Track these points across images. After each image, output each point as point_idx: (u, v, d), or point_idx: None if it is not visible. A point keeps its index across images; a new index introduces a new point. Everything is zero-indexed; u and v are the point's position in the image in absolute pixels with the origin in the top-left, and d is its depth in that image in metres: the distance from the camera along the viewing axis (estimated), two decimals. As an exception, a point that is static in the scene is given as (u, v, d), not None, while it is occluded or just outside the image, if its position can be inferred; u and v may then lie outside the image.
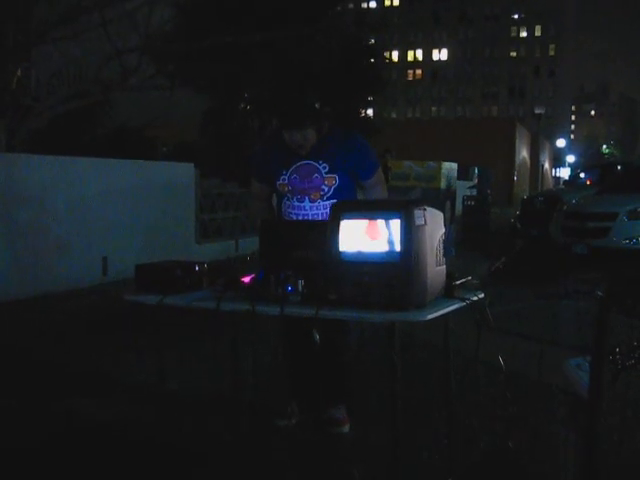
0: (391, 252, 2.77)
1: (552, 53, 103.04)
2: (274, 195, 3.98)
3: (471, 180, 22.37)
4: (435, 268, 2.91)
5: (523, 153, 50.93)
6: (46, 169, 8.21)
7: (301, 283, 2.98)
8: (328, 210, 3.66)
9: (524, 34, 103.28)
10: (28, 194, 7.86)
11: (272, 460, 3.54)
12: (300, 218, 3.76)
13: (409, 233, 2.74)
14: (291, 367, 4.10)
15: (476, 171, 21.53)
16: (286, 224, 3.77)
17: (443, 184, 11.33)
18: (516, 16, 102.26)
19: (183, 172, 10.87)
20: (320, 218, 3.69)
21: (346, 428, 3.87)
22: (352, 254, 2.83)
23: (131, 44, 10.61)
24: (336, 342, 3.85)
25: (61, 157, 8.78)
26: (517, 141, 47.12)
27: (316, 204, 3.73)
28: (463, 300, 3.05)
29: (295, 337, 3.95)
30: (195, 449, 3.57)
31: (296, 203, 3.76)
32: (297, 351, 4.03)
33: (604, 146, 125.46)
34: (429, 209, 2.88)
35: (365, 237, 2.83)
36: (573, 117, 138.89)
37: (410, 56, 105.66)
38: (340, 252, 2.85)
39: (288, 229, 3.76)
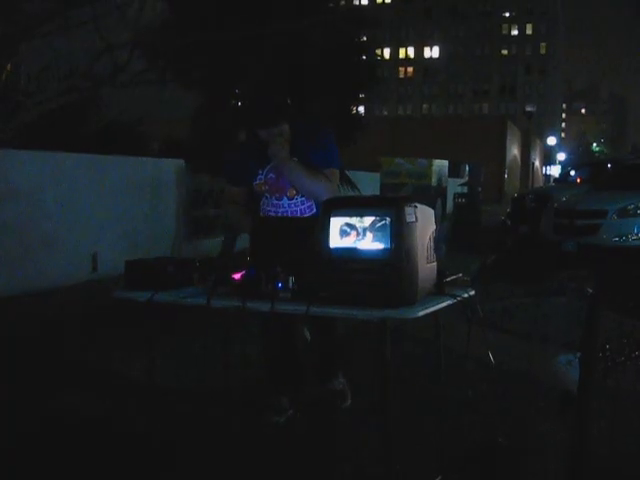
0: (382, 249, 2.76)
1: (543, 51, 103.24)
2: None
3: (462, 177, 22.39)
4: (426, 265, 2.91)
5: (514, 151, 51.06)
6: (35, 165, 8.17)
7: (291, 280, 2.98)
8: (306, 205, 3.75)
9: (515, 32, 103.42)
10: (17, 190, 7.81)
11: (263, 455, 3.54)
12: (279, 215, 3.82)
13: (400, 230, 2.74)
14: (276, 362, 4.12)
15: (467, 168, 21.54)
16: (276, 221, 3.80)
17: (434, 181, 11.34)
18: (507, 14, 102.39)
19: (174, 168, 10.83)
20: (299, 214, 3.79)
21: (348, 400, 4.00)
22: (342, 251, 2.82)
23: (122, 39, 10.55)
24: (324, 324, 3.97)
25: (51, 153, 8.74)
26: (508, 139, 47.25)
27: (294, 201, 3.80)
28: (454, 297, 3.05)
29: (277, 331, 3.99)
30: (186, 443, 3.56)
31: (275, 201, 3.83)
32: (280, 345, 4.06)
33: (594, 144, 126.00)
34: (420, 206, 2.88)
35: (356, 234, 2.82)
36: (564, 115, 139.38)
37: (402, 53, 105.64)
38: (330, 249, 2.84)
39: (279, 226, 3.78)
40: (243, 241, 3.99)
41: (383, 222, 2.77)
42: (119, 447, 3.55)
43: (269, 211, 3.86)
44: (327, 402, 3.99)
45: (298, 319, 3.96)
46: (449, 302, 3.02)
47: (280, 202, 3.82)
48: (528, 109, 47.97)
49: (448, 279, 3.14)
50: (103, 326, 6.04)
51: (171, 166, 10.85)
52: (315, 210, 3.75)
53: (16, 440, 3.70)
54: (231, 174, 4.02)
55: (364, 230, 2.81)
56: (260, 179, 3.84)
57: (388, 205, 2.81)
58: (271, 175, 3.82)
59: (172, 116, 20.19)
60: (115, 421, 3.92)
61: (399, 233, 2.74)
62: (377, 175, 12.10)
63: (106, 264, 8.72)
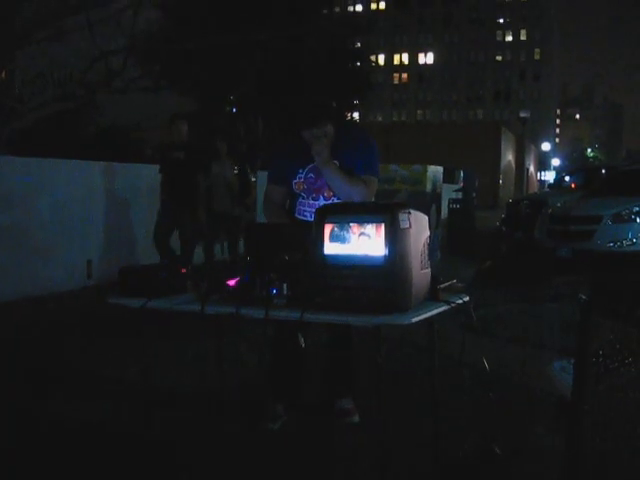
0: (376, 255, 2.76)
1: (537, 57, 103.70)
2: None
3: (456, 183, 22.40)
4: (420, 271, 2.91)
5: (508, 156, 51.17)
6: (30, 171, 8.15)
7: (286, 286, 2.97)
8: None
9: (509, 38, 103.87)
10: (11, 196, 7.79)
11: (259, 459, 3.53)
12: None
13: (394, 236, 2.74)
14: (278, 369, 4.11)
15: (461, 174, 21.55)
16: (272, 227, 3.81)
17: (429, 187, 11.33)
18: (501, 20, 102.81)
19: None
20: None
21: (356, 418, 3.96)
22: (337, 257, 2.82)
23: (116, 46, 10.57)
24: (343, 339, 3.98)
25: (45, 159, 8.72)
26: (502, 144, 47.35)
27: (330, 202, 3.79)
28: (448, 303, 3.05)
29: (284, 339, 3.98)
30: (182, 448, 3.56)
31: (311, 201, 3.86)
32: (286, 353, 4.05)
33: (589, 149, 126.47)
34: (414, 212, 2.89)
35: (350, 240, 2.83)
36: (558, 121, 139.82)
37: (396, 59, 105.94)
38: (325, 255, 2.84)
39: (274, 232, 3.78)
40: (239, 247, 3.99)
41: (377, 228, 2.77)
42: (116, 450, 3.54)
43: (305, 212, 3.87)
44: (336, 418, 3.98)
45: (303, 325, 3.96)
46: (443, 308, 3.03)
47: (317, 202, 3.83)
48: (522, 115, 48.14)
49: (442, 285, 3.15)
50: (98, 332, 6.03)
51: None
52: None
53: (16, 440, 3.70)
54: (274, 172, 4.08)
55: (358, 236, 2.81)
56: (300, 178, 3.87)
57: (382, 211, 2.81)
58: (311, 175, 3.85)
59: (167, 122, 20.20)
60: (112, 425, 3.91)
61: (393, 239, 2.74)
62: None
63: (100, 271, 8.71)
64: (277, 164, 4.09)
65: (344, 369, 4.10)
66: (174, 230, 8.01)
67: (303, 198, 3.88)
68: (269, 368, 4.18)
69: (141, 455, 3.48)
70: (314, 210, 3.78)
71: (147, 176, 10.33)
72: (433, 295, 3.06)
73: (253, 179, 9.13)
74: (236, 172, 8.88)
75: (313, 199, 3.85)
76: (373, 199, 3.87)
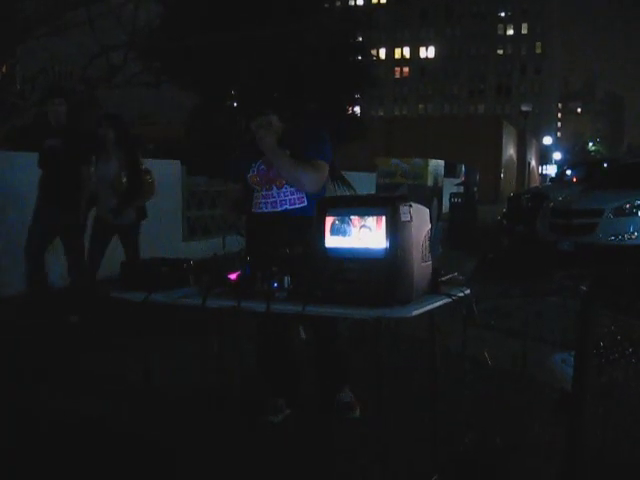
0: (377, 248, 2.77)
1: (538, 51, 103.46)
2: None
3: (458, 177, 22.42)
4: (421, 264, 2.92)
5: (510, 150, 51.08)
6: (30, 167, 8.14)
7: (287, 279, 2.98)
8: (296, 196, 3.82)
9: (510, 32, 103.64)
10: (11, 192, 7.79)
11: (260, 454, 3.54)
12: (269, 207, 3.88)
13: (394, 229, 2.74)
14: (270, 364, 4.12)
15: (463, 168, 21.57)
16: (273, 220, 3.83)
17: (430, 181, 11.34)
18: (503, 14, 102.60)
19: (169, 170, 10.80)
20: (288, 204, 3.85)
21: (357, 412, 3.95)
22: (337, 250, 2.83)
23: (117, 41, 10.56)
24: (328, 331, 3.97)
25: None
26: (504, 138, 47.26)
27: (283, 190, 3.86)
28: (449, 296, 3.05)
29: (272, 331, 4.00)
30: (183, 444, 3.57)
31: (265, 192, 3.91)
32: (275, 345, 4.07)
33: (590, 143, 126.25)
34: (415, 205, 2.89)
35: (351, 233, 2.83)
36: (559, 114, 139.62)
37: (397, 53, 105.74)
38: (326, 248, 2.85)
39: (274, 225, 3.80)
40: (241, 241, 4.02)
41: (378, 221, 2.77)
42: (116, 450, 3.55)
43: (260, 204, 3.92)
44: (335, 413, 3.99)
45: (293, 319, 3.97)
46: (444, 301, 3.03)
47: (270, 192, 3.89)
48: (524, 109, 47.93)
49: (443, 278, 3.15)
50: (98, 328, 6.02)
51: (167, 167, 10.82)
52: (306, 203, 3.82)
53: (16, 440, 3.71)
54: (231, 170, 4.17)
55: (359, 229, 2.81)
56: (253, 171, 3.95)
57: (383, 204, 2.81)
58: (262, 167, 3.92)
59: (171, 118, 20.24)
60: (113, 422, 3.91)
61: (394, 232, 2.74)
62: (373, 175, 12.12)
63: (101, 266, 8.69)
64: (232, 162, 4.19)
65: (335, 363, 4.09)
66: (52, 240, 6.66)
67: (257, 191, 3.95)
68: (257, 362, 4.19)
69: (141, 455, 3.48)
70: (268, 201, 3.88)
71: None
72: (434, 288, 3.07)
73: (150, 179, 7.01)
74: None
75: (267, 190, 3.90)
76: (323, 182, 3.89)
